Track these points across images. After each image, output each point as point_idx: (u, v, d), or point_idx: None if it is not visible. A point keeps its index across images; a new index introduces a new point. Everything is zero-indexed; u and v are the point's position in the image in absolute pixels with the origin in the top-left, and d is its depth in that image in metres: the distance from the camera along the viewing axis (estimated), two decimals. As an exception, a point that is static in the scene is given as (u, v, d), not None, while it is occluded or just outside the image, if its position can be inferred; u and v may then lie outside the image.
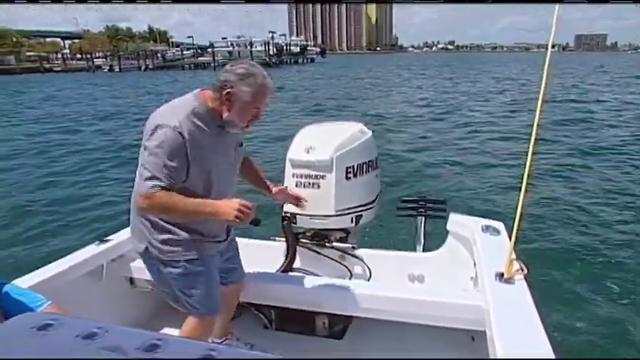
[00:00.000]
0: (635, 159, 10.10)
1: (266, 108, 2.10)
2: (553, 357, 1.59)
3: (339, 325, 2.85)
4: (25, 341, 0.76)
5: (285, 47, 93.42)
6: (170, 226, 2.06)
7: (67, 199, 7.99)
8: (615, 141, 12.21)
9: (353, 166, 2.86)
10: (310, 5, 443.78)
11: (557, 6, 2.35)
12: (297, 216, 2.92)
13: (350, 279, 2.92)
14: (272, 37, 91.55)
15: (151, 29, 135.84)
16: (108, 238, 2.85)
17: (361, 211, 2.94)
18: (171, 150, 1.88)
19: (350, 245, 3.08)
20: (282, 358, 0.80)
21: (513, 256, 2.14)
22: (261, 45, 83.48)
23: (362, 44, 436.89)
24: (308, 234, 3.09)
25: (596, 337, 3.79)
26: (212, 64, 75.43)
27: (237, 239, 2.55)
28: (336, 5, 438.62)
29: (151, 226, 2.07)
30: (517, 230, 2.07)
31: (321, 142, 2.84)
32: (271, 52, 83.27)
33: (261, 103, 2.03)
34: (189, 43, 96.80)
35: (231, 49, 78.48)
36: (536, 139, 2.10)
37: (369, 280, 3.00)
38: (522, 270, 2.11)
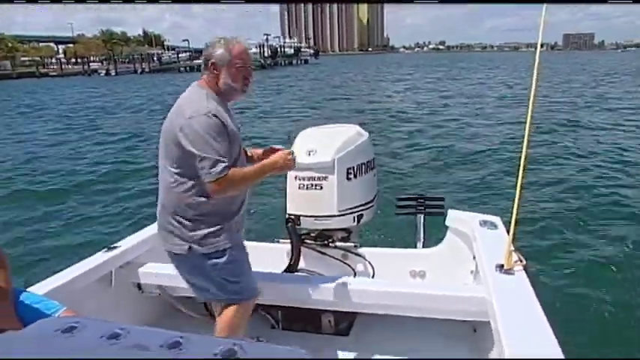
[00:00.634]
0: (628, 151, 10.57)
1: (249, 67, 2.21)
2: (556, 343, 1.63)
3: (345, 322, 2.92)
4: (53, 343, 0.78)
5: (279, 49, 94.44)
6: (208, 221, 2.15)
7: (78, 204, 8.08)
8: (608, 135, 12.70)
9: (353, 167, 2.95)
10: (302, 7, 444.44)
11: (544, 6, 2.39)
12: (301, 217, 2.99)
13: (354, 277, 2.98)
14: (267, 40, 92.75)
15: (145, 33, 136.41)
16: (115, 245, 2.91)
17: (362, 210, 3.04)
18: (217, 132, 2.02)
19: (352, 244, 3.15)
20: (304, 356, 0.80)
21: (512, 248, 2.19)
22: (256, 47, 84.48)
23: (354, 45, 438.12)
24: (312, 235, 3.15)
25: (593, 323, 3.98)
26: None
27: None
28: (328, 6, 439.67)
29: (191, 225, 2.14)
30: (515, 223, 2.14)
31: (322, 144, 2.91)
32: (266, 54, 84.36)
33: (242, 58, 2.14)
34: (184, 46, 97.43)
35: (226, 51, 79.19)
36: (529, 134, 2.15)
37: (372, 277, 3.06)
38: (521, 261, 2.18)
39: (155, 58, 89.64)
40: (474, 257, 2.60)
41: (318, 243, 3.14)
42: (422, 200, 3.28)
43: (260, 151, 2.56)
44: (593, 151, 10.80)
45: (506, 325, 1.76)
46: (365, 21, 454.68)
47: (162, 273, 2.75)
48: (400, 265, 3.13)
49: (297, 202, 2.96)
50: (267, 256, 2.98)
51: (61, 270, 2.60)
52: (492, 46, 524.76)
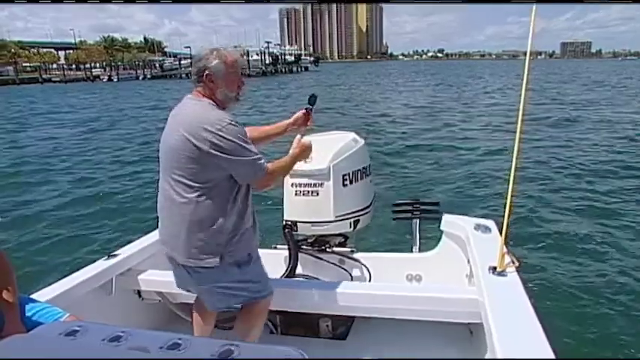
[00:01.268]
0: (620, 154, 10.83)
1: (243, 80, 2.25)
2: (547, 343, 1.64)
3: (343, 327, 2.95)
4: (56, 346, 0.82)
5: (280, 56, 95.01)
6: (234, 229, 2.18)
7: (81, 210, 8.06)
8: (599, 138, 13.12)
9: (349, 174, 2.99)
10: (302, 14, 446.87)
11: (534, 6, 2.40)
12: (298, 223, 3.03)
13: (350, 282, 3.01)
14: (267, 47, 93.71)
15: (146, 39, 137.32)
16: (115, 252, 2.94)
17: (359, 215, 3.07)
18: (245, 136, 2.11)
19: (349, 249, 3.20)
20: (299, 356, 0.82)
21: (505, 250, 2.22)
22: (257, 54, 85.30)
23: (353, 52, 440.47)
24: (309, 240, 3.20)
25: (585, 324, 4.04)
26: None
27: None
28: (327, 13, 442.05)
29: (220, 235, 2.15)
30: (507, 226, 2.17)
31: (318, 151, 2.88)
32: (267, 62, 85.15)
33: (235, 67, 2.18)
34: (185, 53, 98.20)
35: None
36: (520, 139, 2.17)
37: (369, 281, 3.10)
38: (514, 263, 2.21)
39: (157, 65, 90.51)
40: (469, 260, 2.60)
41: (316, 248, 3.19)
42: (417, 205, 3.30)
43: (283, 122, 2.67)
44: (586, 154, 11.09)
45: (498, 326, 1.78)
46: (364, 28, 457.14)
47: (162, 280, 2.77)
48: (396, 269, 3.17)
49: (294, 208, 2.99)
50: (265, 262, 2.97)
51: (63, 277, 2.62)
52: (491, 54, 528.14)
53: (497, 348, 1.68)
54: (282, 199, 3.05)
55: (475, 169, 9.96)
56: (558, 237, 5.95)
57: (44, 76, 78.96)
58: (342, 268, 3.18)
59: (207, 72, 2.13)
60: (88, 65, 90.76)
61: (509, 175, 2.18)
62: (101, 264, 2.80)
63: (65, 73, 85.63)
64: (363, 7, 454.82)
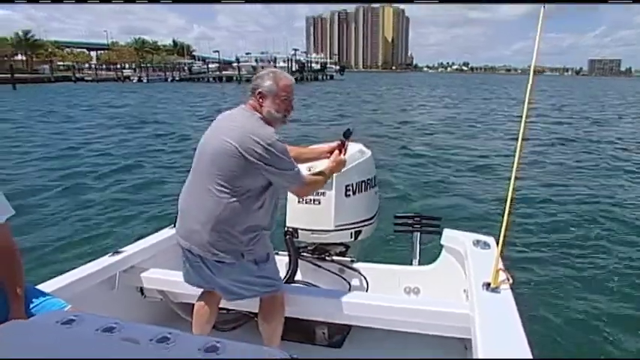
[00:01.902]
0: (620, 174, 10.94)
1: (294, 101, 2.42)
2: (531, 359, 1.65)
3: (339, 335, 2.97)
4: (52, 333, 0.88)
5: (306, 64, 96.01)
6: (255, 229, 2.35)
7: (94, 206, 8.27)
8: (598, 158, 13.14)
9: (352, 184, 3.01)
10: (328, 23, 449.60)
11: (542, 6, 2.39)
12: (299, 231, 3.07)
13: (349, 291, 3.01)
14: (295, 54, 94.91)
15: (175, 43, 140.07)
16: (121, 250, 2.99)
17: (360, 226, 3.09)
18: (288, 152, 2.32)
19: (349, 259, 3.21)
20: (285, 356, 0.85)
21: (500, 266, 2.23)
22: (284, 62, 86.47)
23: (378, 63, 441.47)
24: (309, 248, 3.22)
25: (575, 343, 4.10)
26: (237, 78, 79.73)
27: None
28: (354, 23, 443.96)
29: (240, 234, 2.30)
30: (503, 243, 2.20)
31: (322, 161, 2.92)
32: (293, 69, 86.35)
33: (287, 91, 2.36)
34: (214, 57, 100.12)
35: (255, 64, 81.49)
36: (520, 157, 2.22)
37: (366, 292, 3.11)
38: (508, 280, 2.21)
39: (186, 68, 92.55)
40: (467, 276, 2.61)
41: (315, 256, 3.22)
42: (419, 219, 3.31)
43: (324, 147, 2.82)
44: (585, 170, 11.23)
45: (485, 343, 1.78)
46: (390, 39, 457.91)
47: (164, 279, 2.86)
48: (395, 281, 3.17)
49: (296, 215, 3.03)
50: None
51: (69, 270, 2.68)
52: (516, 69, 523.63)
53: None
54: (285, 205, 3.04)
55: (479, 185, 10.00)
56: (557, 256, 5.94)
57: (77, 75, 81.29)
58: (341, 277, 3.20)
59: (259, 90, 2.34)
60: (118, 66, 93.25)
61: (507, 192, 2.23)
62: (106, 260, 2.87)
63: (97, 72, 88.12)
64: (389, 18, 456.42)
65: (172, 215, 2.76)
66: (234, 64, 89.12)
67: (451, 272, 2.98)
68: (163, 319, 3.08)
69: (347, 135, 2.75)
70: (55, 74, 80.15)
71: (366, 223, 3.13)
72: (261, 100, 2.34)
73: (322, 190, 2.93)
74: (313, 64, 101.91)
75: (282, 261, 3.12)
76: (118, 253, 2.96)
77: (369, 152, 3.19)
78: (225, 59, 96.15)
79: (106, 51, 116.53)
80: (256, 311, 2.66)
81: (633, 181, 10.44)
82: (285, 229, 3.11)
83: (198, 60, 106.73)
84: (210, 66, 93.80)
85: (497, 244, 2.39)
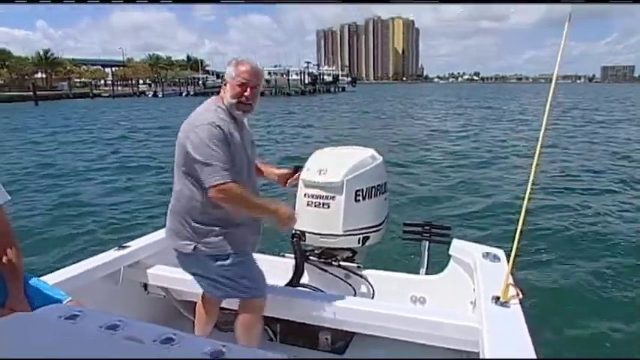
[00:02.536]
0: (633, 187, 10.57)
1: (251, 86, 2.26)
2: None
3: (342, 341, 2.94)
4: (55, 328, 0.86)
5: (318, 76, 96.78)
6: (214, 224, 2.25)
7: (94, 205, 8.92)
8: (614, 168, 12.89)
9: (362, 190, 2.96)
10: (339, 35, 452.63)
11: (569, 6, 2.30)
12: (307, 234, 3.02)
13: (354, 297, 2.97)
14: (307, 67, 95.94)
15: (189, 58, 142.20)
16: (126, 244, 2.98)
17: (368, 232, 3.05)
18: (219, 141, 2.11)
19: (356, 265, 3.16)
20: (293, 358, 0.82)
21: (510, 281, 2.19)
22: (297, 74, 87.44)
23: (389, 74, 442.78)
24: (316, 252, 3.19)
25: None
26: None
27: None
28: (364, 35, 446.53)
29: (198, 227, 2.25)
30: (514, 257, 2.14)
31: (334, 165, 2.94)
32: (306, 81, 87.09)
33: (243, 76, 2.22)
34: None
35: (268, 77, 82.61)
36: (537, 165, 2.15)
37: (372, 299, 3.07)
38: (518, 294, 2.16)
39: (200, 82, 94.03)
40: (475, 288, 2.56)
41: (322, 260, 3.18)
42: (428, 227, 3.27)
43: (276, 170, 2.78)
44: (601, 185, 10.87)
45: (493, 357, 1.75)
46: (400, 51, 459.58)
47: (168, 276, 2.85)
48: (401, 289, 3.12)
49: (304, 218, 2.92)
50: (270, 269, 2.94)
51: (73, 263, 2.71)
52: (528, 78, 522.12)
53: None
54: (294, 207, 2.99)
55: (495, 196, 9.83)
56: (569, 271, 5.77)
57: (94, 92, 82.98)
58: (347, 283, 3.15)
59: (224, 76, 2.33)
60: (134, 81, 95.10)
61: (522, 205, 2.18)
62: (111, 254, 2.87)
63: (114, 89, 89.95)
64: (399, 29, 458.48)
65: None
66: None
67: (459, 283, 2.94)
68: (165, 316, 3.08)
69: (297, 169, 2.87)
70: (72, 91, 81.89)
71: (374, 229, 3.09)
72: (224, 87, 2.30)
73: (332, 195, 2.92)
74: (325, 77, 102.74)
75: (288, 264, 3.17)
76: (123, 247, 2.96)
77: (380, 158, 3.18)
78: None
79: (122, 67, 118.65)
80: None
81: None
82: (293, 231, 3.04)
83: (212, 74, 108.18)
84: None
85: (508, 257, 2.36)
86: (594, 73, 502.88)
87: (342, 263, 3.17)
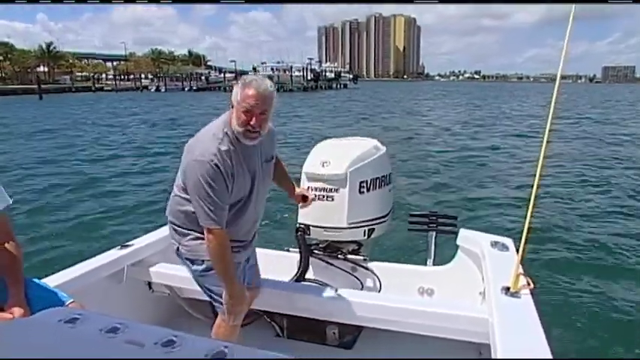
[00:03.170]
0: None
1: (258, 113, 2.03)
2: None
3: (349, 336, 2.89)
4: (55, 332, 0.85)
5: (320, 73, 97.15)
6: (194, 230, 2.20)
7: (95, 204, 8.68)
8: (622, 159, 13.18)
9: (366, 181, 2.92)
10: (340, 32, 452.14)
11: (571, 5, 2.28)
12: (311, 228, 2.98)
13: (361, 290, 2.94)
14: (309, 64, 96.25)
15: (190, 53, 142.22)
16: (129, 243, 2.95)
17: (374, 224, 3.01)
18: (215, 182, 2.01)
19: (362, 257, 3.12)
20: (295, 359, 0.81)
21: (520, 270, 2.16)
22: (299, 71, 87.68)
23: (390, 71, 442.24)
24: (321, 245, 3.15)
25: (602, 353, 3.92)
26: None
27: None
28: (365, 33, 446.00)
29: (180, 229, 2.24)
30: (524, 246, 2.11)
31: (336, 157, 2.89)
32: (309, 78, 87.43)
33: (247, 102, 2.01)
34: (230, 67, 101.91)
35: (271, 73, 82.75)
36: (544, 157, 2.12)
37: (379, 292, 3.02)
38: (529, 284, 2.13)
39: (202, 77, 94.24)
40: (483, 278, 2.52)
41: (327, 254, 3.15)
42: (434, 217, 3.22)
43: (295, 189, 2.64)
44: (610, 176, 10.95)
45: (505, 349, 1.72)
46: (401, 48, 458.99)
47: (171, 274, 2.81)
48: (409, 281, 3.07)
49: (308, 212, 2.86)
50: (276, 264, 2.91)
51: (76, 263, 2.65)
52: (528, 77, 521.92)
53: None
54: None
55: (498, 186, 9.91)
56: (578, 260, 5.76)
57: (97, 85, 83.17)
58: (354, 276, 3.11)
59: (231, 97, 2.11)
60: (136, 76, 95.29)
61: (530, 194, 2.15)
62: (114, 253, 2.82)
63: (117, 83, 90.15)
64: (400, 27, 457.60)
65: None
66: (250, 74, 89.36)
67: (467, 273, 2.90)
68: (170, 315, 3.06)
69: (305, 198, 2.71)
70: (74, 84, 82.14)
71: (379, 220, 3.06)
72: (232, 112, 2.11)
73: (336, 187, 2.89)
74: (327, 73, 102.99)
75: (293, 258, 3.13)
76: (126, 246, 2.91)
77: (384, 148, 3.15)
78: (240, 69, 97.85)
79: (124, 62, 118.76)
80: (264, 309, 2.71)
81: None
82: (297, 225, 3.04)
83: (214, 70, 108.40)
84: (226, 75, 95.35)
85: (517, 246, 2.36)
86: (595, 73, 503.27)
87: (347, 256, 3.14)
